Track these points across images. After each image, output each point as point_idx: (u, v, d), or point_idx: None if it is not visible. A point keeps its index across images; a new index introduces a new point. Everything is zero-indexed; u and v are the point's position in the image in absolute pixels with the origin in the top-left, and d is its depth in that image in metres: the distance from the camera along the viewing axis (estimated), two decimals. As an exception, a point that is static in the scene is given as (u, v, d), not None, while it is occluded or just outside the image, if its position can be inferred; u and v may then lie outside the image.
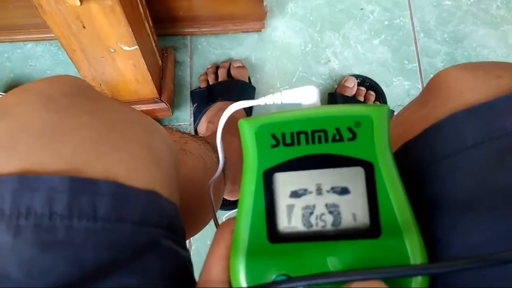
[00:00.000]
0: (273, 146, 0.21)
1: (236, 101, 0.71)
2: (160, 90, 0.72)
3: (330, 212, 0.20)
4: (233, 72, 0.77)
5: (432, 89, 0.27)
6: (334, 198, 0.20)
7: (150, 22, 0.67)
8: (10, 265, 0.18)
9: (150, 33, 0.67)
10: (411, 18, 0.82)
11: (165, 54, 0.77)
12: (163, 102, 0.72)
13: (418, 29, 0.82)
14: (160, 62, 0.74)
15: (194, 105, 0.76)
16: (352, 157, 0.20)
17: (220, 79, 0.76)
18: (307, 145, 0.20)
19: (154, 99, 0.72)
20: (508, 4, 0.83)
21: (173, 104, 0.77)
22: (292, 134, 0.20)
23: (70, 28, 0.55)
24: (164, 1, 0.72)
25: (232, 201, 0.70)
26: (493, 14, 0.82)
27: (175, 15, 0.77)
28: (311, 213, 0.20)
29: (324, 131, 0.20)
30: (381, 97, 0.77)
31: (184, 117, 0.77)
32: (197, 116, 0.74)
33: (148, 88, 0.69)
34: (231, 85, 0.75)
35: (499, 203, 0.20)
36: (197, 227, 0.41)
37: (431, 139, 0.24)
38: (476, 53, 0.80)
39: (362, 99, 0.74)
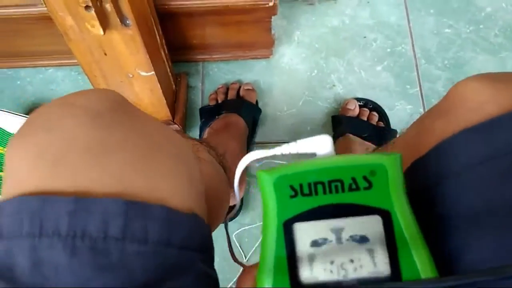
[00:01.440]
0: (291, 197, 0.21)
1: (241, 115, 0.75)
2: (173, 113, 0.76)
3: (351, 261, 0.20)
4: (242, 93, 0.81)
5: (452, 99, 0.27)
6: (354, 247, 0.20)
7: (166, 50, 0.72)
8: (65, 284, 0.19)
9: (165, 59, 0.71)
10: (413, 46, 0.86)
11: (179, 79, 0.81)
12: (176, 124, 0.76)
13: (419, 55, 0.86)
14: (174, 86, 0.79)
15: (202, 121, 0.80)
16: (369, 205, 0.20)
17: (229, 98, 0.80)
18: (325, 195, 0.21)
19: (168, 121, 0.76)
20: (505, 32, 0.87)
21: (185, 126, 0.81)
22: (309, 184, 0.21)
23: (92, 55, 0.59)
24: (179, 30, 0.77)
25: (233, 206, 0.71)
26: (491, 42, 0.86)
27: (189, 43, 0.82)
28: (332, 262, 0.20)
29: (341, 181, 0.21)
30: (383, 118, 0.80)
31: (196, 137, 0.80)
32: (202, 130, 0.78)
33: (162, 111, 0.73)
34: (238, 103, 0.78)
35: (508, 218, 0.21)
36: (215, 227, 0.43)
37: (441, 156, 0.24)
38: (476, 78, 0.83)
39: (365, 119, 0.77)
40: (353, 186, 0.21)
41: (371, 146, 0.71)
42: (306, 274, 0.21)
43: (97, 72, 0.63)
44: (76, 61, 0.82)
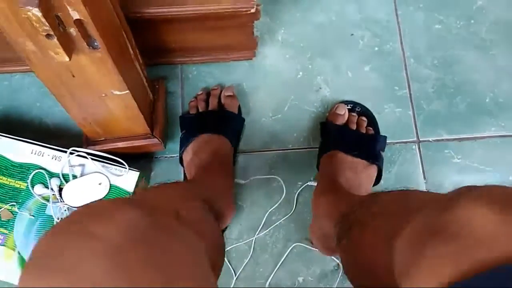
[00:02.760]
0: None
1: (224, 134, 0.71)
2: (151, 126, 0.72)
3: None
4: (223, 101, 0.77)
5: (456, 224, 0.25)
6: None
7: (140, 60, 0.66)
8: None
9: (140, 71, 0.66)
10: (401, 43, 0.82)
11: (156, 86, 0.76)
12: (155, 137, 0.72)
13: (408, 54, 0.82)
14: (151, 96, 0.74)
15: (182, 132, 0.75)
16: None
17: (210, 107, 0.76)
18: None
19: (146, 135, 0.71)
20: (497, 27, 0.83)
21: (166, 136, 0.77)
22: None
23: (59, 78, 0.54)
24: (155, 36, 0.71)
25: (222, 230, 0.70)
26: (482, 38, 0.83)
27: (167, 47, 0.76)
28: None
29: None
30: (372, 122, 0.77)
31: (177, 148, 0.76)
32: (183, 143, 0.73)
33: (140, 125, 0.69)
34: (220, 117, 0.74)
35: None
36: (218, 272, 0.45)
37: None
38: (467, 77, 0.81)
39: (354, 126, 0.74)
40: None
41: (361, 164, 0.68)
42: None
43: (65, 93, 0.58)
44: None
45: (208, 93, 0.79)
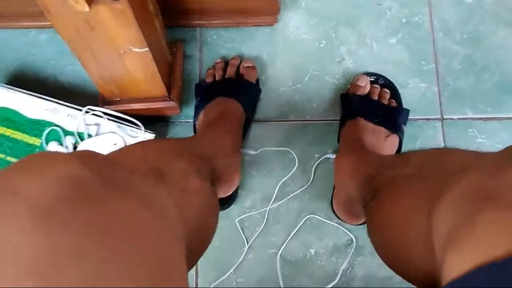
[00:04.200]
0: None
1: (237, 99, 0.69)
2: (169, 88, 0.70)
3: None
4: (242, 71, 0.74)
5: (509, 195, 0.22)
6: None
7: (161, 18, 0.64)
8: None
9: (160, 30, 0.64)
10: (430, 16, 0.79)
11: (174, 49, 0.74)
12: (172, 100, 0.70)
13: (437, 28, 0.79)
14: (169, 57, 0.72)
15: (197, 99, 0.74)
16: None
17: (227, 76, 0.74)
18: None
19: (163, 97, 0.70)
20: (532, 4, 0.79)
21: (182, 101, 0.75)
22: None
23: (78, 31, 0.52)
24: (174, -5, 0.69)
25: (226, 198, 0.68)
26: (515, 14, 0.79)
27: (186, 8, 0.74)
28: None
29: None
30: (395, 95, 0.75)
31: (192, 113, 0.75)
32: (197, 110, 0.72)
33: (157, 86, 0.67)
34: (236, 84, 0.72)
35: None
36: (197, 259, 0.41)
37: None
38: (495, 55, 0.77)
39: (376, 97, 0.72)
40: None
41: (383, 131, 0.67)
42: None
43: (83, 48, 0.56)
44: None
45: (226, 62, 0.76)
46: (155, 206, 0.25)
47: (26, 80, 0.77)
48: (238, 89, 0.71)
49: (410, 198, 0.35)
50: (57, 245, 0.18)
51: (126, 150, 0.42)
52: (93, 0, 0.46)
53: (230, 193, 0.65)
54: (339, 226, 0.71)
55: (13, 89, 0.71)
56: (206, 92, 0.72)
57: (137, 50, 0.57)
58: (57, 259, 0.18)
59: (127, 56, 0.58)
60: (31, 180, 0.20)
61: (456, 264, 0.22)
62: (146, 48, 0.57)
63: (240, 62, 0.75)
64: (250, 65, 0.74)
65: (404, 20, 0.79)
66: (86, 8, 0.46)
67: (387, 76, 0.76)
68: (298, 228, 0.71)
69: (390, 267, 0.39)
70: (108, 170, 0.23)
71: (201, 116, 0.70)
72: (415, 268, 0.33)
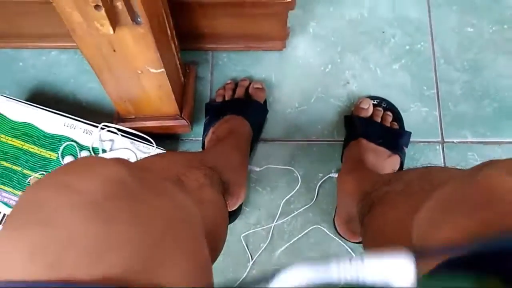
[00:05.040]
0: None
1: (246, 118, 0.72)
2: (181, 107, 0.73)
3: None
4: (251, 91, 0.78)
5: (482, 193, 0.25)
6: None
7: (176, 42, 0.68)
8: None
9: (175, 52, 0.68)
10: (432, 44, 0.83)
11: (187, 70, 0.78)
12: (184, 119, 0.74)
13: (439, 55, 0.82)
14: (182, 79, 0.76)
15: (206, 118, 0.77)
16: None
17: (236, 96, 0.77)
18: None
19: (175, 116, 0.73)
20: (530, 34, 0.83)
21: (193, 120, 0.79)
22: None
23: (100, 51, 0.56)
24: (190, 19, 0.73)
25: (232, 212, 0.70)
26: (514, 44, 0.83)
27: (200, 32, 0.78)
28: None
29: None
30: (398, 119, 0.77)
31: (201, 132, 0.78)
32: (207, 128, 0.75)
33: (170, 105, 0.70)
34: (245, 103, 0.76)
35: None
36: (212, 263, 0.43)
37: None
38: (496, 82, 0.80)
39: (379, 120, 0.75)
40: None
41: (385, 152, 0.69)
42: None
43: (104, 67, 0.60)
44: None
45: (236, 83, 0.80)
46: (185, 207, 0.28)
47: (46, 97, 0.81)
48: (246, 108, 0.74)
49: (398, 211, 0.38)
50: (109, 233, 0.21)
51: (149, 160, 0.45)
52: (118, 24, 0.50)
53: (235, 207, 0.68)
54: (343, 244, 0.73)
55: (32, 105, 0.74)
56: (215, 111, 0.76)
57: (154, 70, 0.60)
58: (109, 244, 0.21)
59: (144, 76, 0.62)
60: (83, 178, 0.23)
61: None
62: (163, 69, 0.60)
63: (250, 83, 0.79)
64: (259, 86, 0.78)
65: (407, 47, 0.83)
66: (111, 31, 0.50)
67: (390, 100, 0.79)
68: (302, 242, 0.73)
69: None
70: (143, 175, 0.26)
71: (210, 133, 0.73)
72: None
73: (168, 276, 0.22)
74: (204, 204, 0.41)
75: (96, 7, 0.46)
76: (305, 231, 0.73)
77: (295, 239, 0.73)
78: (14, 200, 0.70)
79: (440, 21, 0.84)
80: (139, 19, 0.52)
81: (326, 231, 0.73)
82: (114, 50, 0.56)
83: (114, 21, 0.50)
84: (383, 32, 0.84)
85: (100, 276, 0.20)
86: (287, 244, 0.73)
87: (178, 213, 0.26)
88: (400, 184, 0.43)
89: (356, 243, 0.70)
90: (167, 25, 0.62)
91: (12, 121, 0.73)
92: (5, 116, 0.74)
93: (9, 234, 0.21)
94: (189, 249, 0.24)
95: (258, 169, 0.76)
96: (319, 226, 0.73)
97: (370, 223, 0.45)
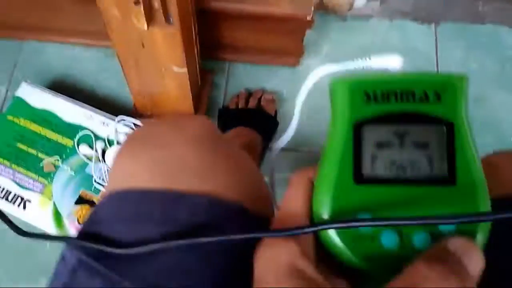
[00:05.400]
0: (365, 102, 0.23)
1: (256, 130, 0.76)
2: (196, 109, 0.77)
3: (411, 162, 0.22)
4: (262, 103, 0.82)
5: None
6: (415, 151, 0.22)
7: (198, 47, 0.72)
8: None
9: (196, 57, 0.72)
10: (437, 75, 0.87)
11: (205, 76, 0.82)
12: (197, 120, 0.77)
13: (443, 86, 0.86)
14: (199, 82, 0.79)
15: (218, 122, 0.81)
16: (436, 116, 0.22)
17: (249, 106, 0.81)
18: (396, 103, 0.23)
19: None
20: (530, 75, 0.88)
21: (205, 123, 0.82)
22: (383, 92, 0.23)
23: (130, 46, 0.60)
24: (212, 29, 0.78)
25: None
26: (514, 82, 0.87)
27: (220, 42, 0.82)
28: (393, 163, 0.23)
29: (413, 92, 0.22)
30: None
31: (212, 136, 0.81)
32: None
33: (186, 106, 0.74)
34: (256, 115, 0.80)
35: None
36: None
37: None
38: (494, 115, 0.85)
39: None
40: (424, 98, 0.22)
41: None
42: (369, 170, 0.23)
43: (131, 62, 0.64)
44: (104, 43, 0.83)
45: (250, 93, 0.84)
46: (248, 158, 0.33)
47: (66, 88, 0.85)
48: (258, 120, 0.78)
49: None
50: (210, 158, 0.27)
51: None
52: (151, 21, 0.54)
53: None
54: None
55: (54, 93, 0.78)
56: (228, 118, 0.79)
57: (177, 70, 0.64)
58: (213, 168, 0.26)
59: (167, 74, 0.65)
60: (190, 120, 0.30)
61: None
62: (185, 69, 0.64)
63: (262, 94, 0.83)
64: (271, 98, 0.82)
65: (413, 75, 0.87)
66: (145, 27, 0.54)
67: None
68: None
69: None
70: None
71: None
72: None
73: (245, 196, 0.27)
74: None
75: (136, 2, 0.51)
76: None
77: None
78: (26, 181, 0.73)
79: (446, 54, 0.88)
80: (171, 19, 0.56)
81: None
82: (143, 46, 0.60)
83: (150, 17, 0.54)
84: (392, 59, 0.88)
85: (208, 191, 0.25)
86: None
87: (247, 157, 0.32)
88: None
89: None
90: (193, 30, 0.66)
91: (33, 107, 0.76)
92: (27, 102, 0.77)
93: (132, 152, 0.27)
94: (255, 178, 0.31)
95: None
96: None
97: None
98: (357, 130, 0.23)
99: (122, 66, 0.65)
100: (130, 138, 0.29)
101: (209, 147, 0.27)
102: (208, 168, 0.26)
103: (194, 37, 0.68)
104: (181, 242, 0.23)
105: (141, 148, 0.27)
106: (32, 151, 0.75)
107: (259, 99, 0.83)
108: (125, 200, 0.25)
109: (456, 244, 0.19)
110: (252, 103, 0.81)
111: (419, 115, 0.22)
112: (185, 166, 0.26)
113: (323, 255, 0.21)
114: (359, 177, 0.22)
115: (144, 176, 0.25)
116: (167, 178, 0.25)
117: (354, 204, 0.22)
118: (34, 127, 0.76)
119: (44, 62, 0.87)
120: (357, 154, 0.23)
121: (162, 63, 0.63)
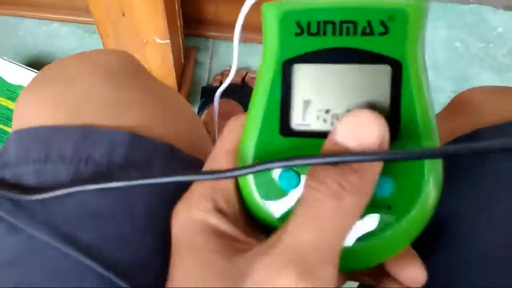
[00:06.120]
0: (296, 35, 0.19)
1: (239, 102, 0.74)
2: (179, 87, 0.75)
3: (348, 111, 0.18)
4: (247, 79, 0.80)
5: (456, 106, 0.28)
6: (355, 96, 0.19)
7: (181, 20, 0.70)
8: (67, 203, 0.20)
9: (180, 30, 0.70)
10: (423, 54, 0.87)
11: (188, 53, 0.80)
12: (181, 97, 0.75)
13: (429, 65, 0.86)
14: (183, 59, 0.77)
15: (202, 100, 0.79)
16: (380, 53, 0.18)
17: (233, 82, 0.80)
18: (334, 37, 0.19)
19: (173, 94, 0.74)
20: (513, 54, 0.88)
21: (189, 101, 0.80)
22: (318, 23, 0.19)
23: (109, 14, 0.57)
24: (194, 3, 0.75)
25: None
26: (499, 61, 0.88)
27: (203, 18, 0.80)
28: (328, 111, 0.19)
29: (354, 23, 0.18)
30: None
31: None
32: (201, 110, 0.77)
33: (169, 82, 0.72)
34: (240, 88, 0.78)
35: None
36: None
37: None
38: (479, 95, 0.85)
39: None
40: (367, 30, 0.18)
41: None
42: (298, 120, 0.19)
43: (110, 32, 0.61)
44: (83, 18, 0.80)
45: (234, 71, 0.82)
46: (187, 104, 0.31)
47: (43, 65, 0.81)
48: (241, 93, 0.76)
49: None
50: (122, 96, 0.23)
51: None
52: (132, -15, 0.52)
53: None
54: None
55: (31, 70, 0.75)
56: (211, 94, 0.78)
57: (160, 41, 0.62)
58: (122, 102, 0.23)
59: (148, 46, 0.63)
60: (103, 53, 0.26)
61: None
62: (168, 41, 0.62)
63: (247, 73, 0.81)
64: (256, 76, 0.80)
65: (399, 54, 0.87)
66: (124, -10, 0.51)
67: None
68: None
69: None
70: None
71: (203, 115, 0.75)
72: None
73: (173, 134, 0.24)
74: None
75: (115, -37, 0.48)
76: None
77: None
78: (1, 161, 0.70)
79: (431, 34, 0.88)
80: (153, -16, 0.54)
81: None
82: (123, 14, 0.57)
83: (129, -19, 0.51)
84: (377, 38, 0.88)
85: (127, 126, 0.22)
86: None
87: (181, 99, 0.29)
88: None
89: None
90: (176, 0, 0.64)
91: (9, 83, 0.73)
92: (3, 78, 0.73)
93: (34, 90, 0.24)
94: (189, 121, 0.28)
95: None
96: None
97: None
98: (285, 70, 0.19)
99: (101, 38, 0.63)
100: (35, 76, 0.26)
101: (125, 80, 0.25)
102: (125, 103, 0.23)
103: (177, 8, 0.66)
104: (93, 186, 0.20)
105: (44, 84, 0.24)
106: (7, 129, 0.71)
107: (244, 77, 0.81)
108: (31, 140, 0.22)
109: (343, 132, 0.16)
110: (236, 79, 0.80)
111: (359, 51, 0.18)
112: (95, 100, 0.23)
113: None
114: (286, 129, 0.19)
115: (48, 113, 0.22)
116: (75, 114, 0.22)
117: (279, 157, 0.18)
118: (10, 104, 0.72)
119: (20, 39, 0.84)
120: (285, 101, 0.19)
121: (144, 33, 0.61)
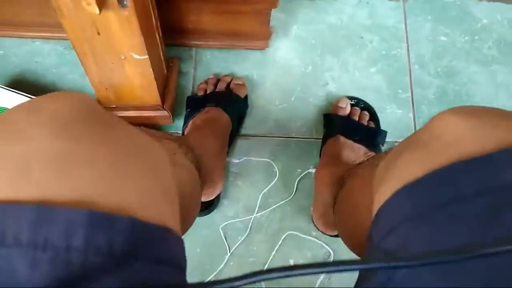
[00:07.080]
0: None
1: (225, 110, 0.74)
2: (163, 98, 0.74)
3: None
4: (232, 86, 0.80)
5: (429, 133, 0.27)
6: None
7: (160, 33, 0.70)
8: None
9: (159, 43, 0.69)
10: (407, 50, 0.86)
11: (171, 64, 0.79)
12: (165, 110, 0.74)
13: (413, 61, 0.86)
14: (165, 71, 0.77)
15: (187, 110, 0.78)
16: None
17: (217, 89, 0.79)
18: None
19: (157, 106, 0.74)
20: (499, 45, 0.88)
21: (174, 113, 0.79)
22: None
23: (85, 33, 0.57)
24: (175, 13, 0.75)
25: (207, 203, 0.71)
26: (484, 53, 0.87)
27: (184, 27, 0.80)
28: None
29: None
30: (374, 118, 0.80)
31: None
32: (187, 119, 0.76)
33: (152, 95, 0.71)
34: (225, 96, 0.77)
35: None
36: (183, 233, 0.43)
37: (428, 186, 0.24)
38: (466, 88, 0.84)
39: (356, 118, 0.77)
40: None
41: (362, 149, 0.71)
42: None
43: (87, 51, 0.61)
44: (63, 35, 0.79)
45: (218, 78, 0.82)
46: (154, 145, 0.27)
47: (27, 85, 0.81)
48: (226, 100, 0.76)
49: (362, 179, 0.40)
50: (76, 150, 0.22)
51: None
52: (104, 5, 0.51)
53: (212, 197, 0.68)
54: (317, 240, 0.74)
55: (13, 91, 0.74)
56: (196, 104, 0.77)
57: (138, 57, 0.61)
58: (74, 157, 0.21)
59: (127, 62, 0.62)
60: (54, 101, 0.24)
61: (383, 193, 0.26)
62: (146, 56, 0.62)
63: (231, 79, 0.81)
64: (241, 82, 0.80)
65: (383, 52, 0.86)
66: (96, 11, 0.51)
67: (367, 101, 0.81)
68: (278, 242, 0.73)
69: (351, 250, 0.43)
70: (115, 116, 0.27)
71: (189, 125, 0.74)
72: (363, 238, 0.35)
73: (135, 200, 0.22)
74: (177, 166, 0.41)
75: (84, -16, 0.47)
76: (281, 239, 0.74)
77: (275, 249, 0.74)
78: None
79: (415, 29, 0.88)
80: (125, 2, 0.53)
81: (300, 235, 0.74)
82: (99, 33, 0.57)
83: (101, 1, 0.51)
84: (361, 37, 0.87)
85: (66, 190, 0.20)
86: (265, 246, 0.74)
87: (146, 143, 0.26)
88: (368, 161, 0.45)
89: (333, 236, 0.72)
90: (152, 13, 0.63)
91: (-9, 106, 0.73)
92: (-16, 101, 0.73)
93: None
94: (155, 174, 0.24)
95: (237, 160, 0.77)
96: (293, 232, 0.74)
97: (340, 195, 0.46)
98: None
99: (78, 56, 0.62)
100: None
101: (75, 130, 0.22)
102: (75, 159, 0.21)
103: (154, 21, 0.65)
104: None
105: None
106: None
107: (228, 84, 0.80)
108: None
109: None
110: (221, 86, 0.79)
111: None
112: (42, 159, 0.20)
113: None
114: None
115: None
116: (16, 178, 0.20)
117: None
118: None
119: (2, 59, 0.83)
120: None
121: (121, 50, 0.60)
